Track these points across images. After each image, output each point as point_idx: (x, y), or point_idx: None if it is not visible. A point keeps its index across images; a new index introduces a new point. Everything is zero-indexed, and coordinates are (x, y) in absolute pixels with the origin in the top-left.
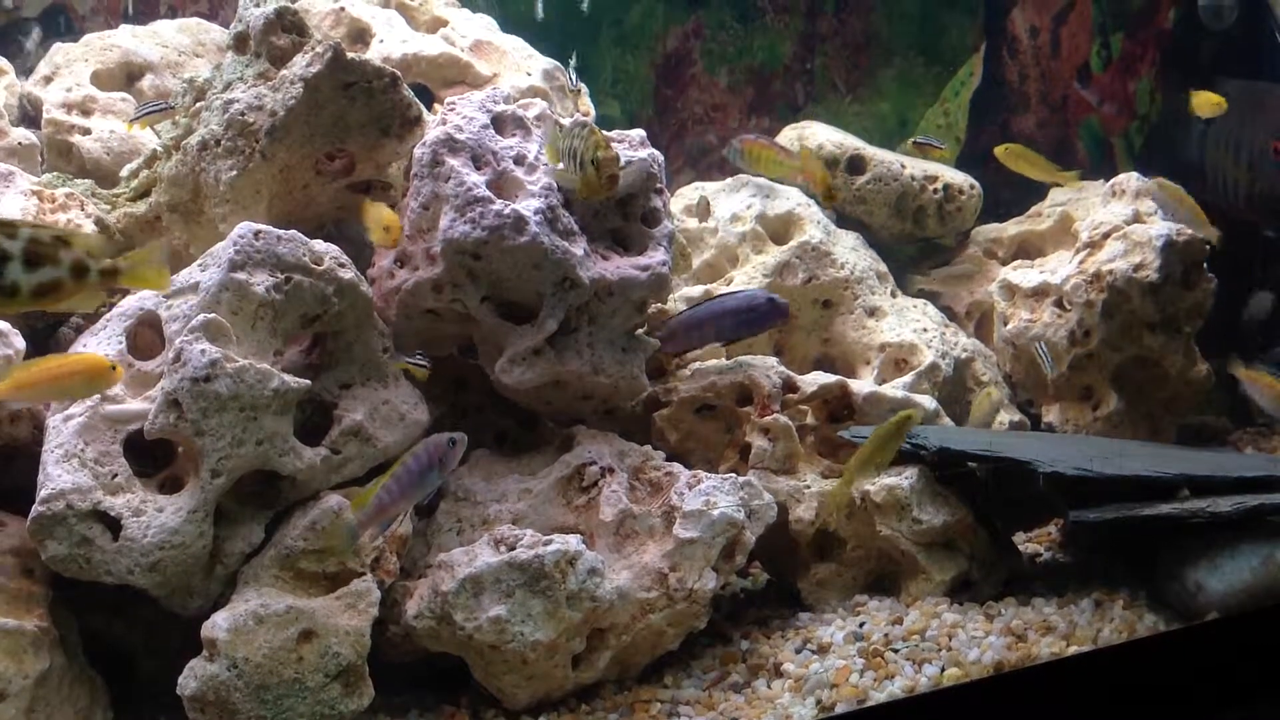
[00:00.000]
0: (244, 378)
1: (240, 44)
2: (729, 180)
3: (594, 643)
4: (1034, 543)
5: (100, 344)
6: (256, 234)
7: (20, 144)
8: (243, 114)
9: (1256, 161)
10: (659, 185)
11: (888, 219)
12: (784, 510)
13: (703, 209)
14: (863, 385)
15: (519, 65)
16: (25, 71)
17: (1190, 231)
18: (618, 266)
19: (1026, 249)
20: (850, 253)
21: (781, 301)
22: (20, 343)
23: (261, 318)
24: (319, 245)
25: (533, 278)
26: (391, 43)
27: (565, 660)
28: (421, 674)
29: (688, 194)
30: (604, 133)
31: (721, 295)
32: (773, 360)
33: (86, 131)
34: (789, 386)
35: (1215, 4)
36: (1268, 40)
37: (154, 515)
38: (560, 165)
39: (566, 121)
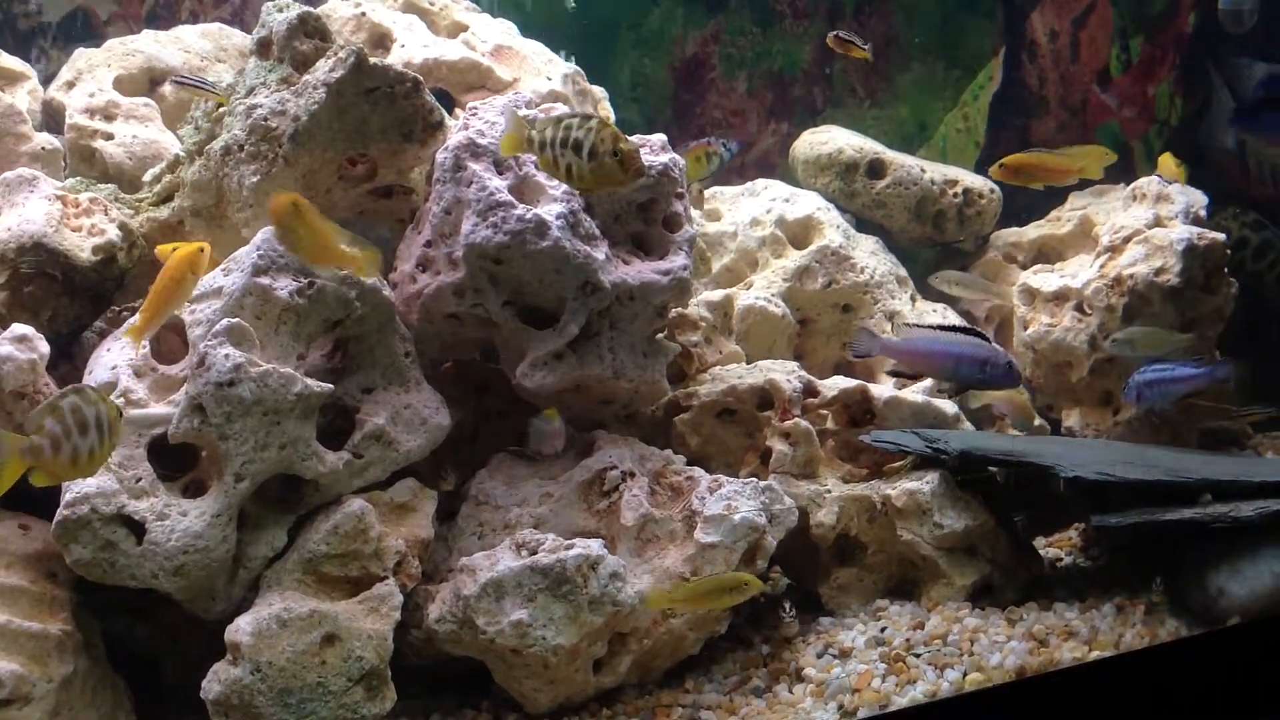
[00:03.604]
0: (267, 382)
1: (263, 49)
2: (748, 184)
3: (615, 647)
4: (1055, 547)
5: (123, 348)
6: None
7: (44, 149)
8: (266, 119)
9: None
10: (680, 190)
11: (907, 223)
12: (804, 515)
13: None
14: (883, 390)
15: (539, 70)
16: (47, 77)
17: (1211, 235)
18: (639, 271)
19: (1046, 253)
20: (870, 257)
21: (1018, 368)
22: (45, 347)
23: (284, 322)
24: None
25: (554, 282)
26: (412, 48)
27: (586, 664)
28: (443, 678)
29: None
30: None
31: (959, 333)
32: (793, 364)
33: (109, 136)
34: (809, 391)
35: (1235, 8)
36: None
37: (178, 519)
38: (536, 155)
39: (533, 113)
